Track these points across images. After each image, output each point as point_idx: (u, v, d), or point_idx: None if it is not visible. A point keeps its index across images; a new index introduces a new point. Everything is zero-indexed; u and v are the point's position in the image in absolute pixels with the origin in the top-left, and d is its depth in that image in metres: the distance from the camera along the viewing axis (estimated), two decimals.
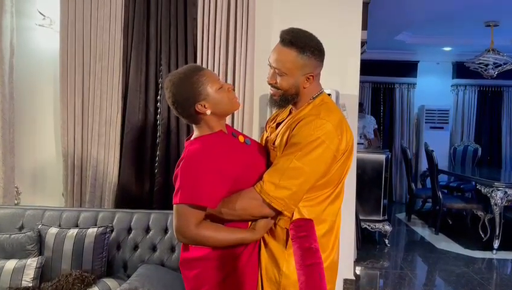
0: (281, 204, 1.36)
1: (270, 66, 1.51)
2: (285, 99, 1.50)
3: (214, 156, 1.39)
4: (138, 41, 3.14)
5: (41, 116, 3.36)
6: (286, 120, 1.54)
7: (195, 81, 1.43)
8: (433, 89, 7.47)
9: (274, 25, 3.19)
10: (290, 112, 1.58)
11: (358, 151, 4.62)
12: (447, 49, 6.84)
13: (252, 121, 3.13)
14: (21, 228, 2.63)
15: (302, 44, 1.44)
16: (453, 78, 7.53)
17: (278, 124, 1.59)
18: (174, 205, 1.38)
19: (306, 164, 1.35)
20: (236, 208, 1.38)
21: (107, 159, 3.16)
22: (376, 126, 6.10)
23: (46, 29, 3.26)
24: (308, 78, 1.48)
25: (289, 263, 1.40)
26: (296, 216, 1.41)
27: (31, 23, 3.26)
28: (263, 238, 1.47)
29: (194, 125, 1.52)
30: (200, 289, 1.43)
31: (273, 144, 1.51)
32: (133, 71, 3.14)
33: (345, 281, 3.23)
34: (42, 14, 3.22)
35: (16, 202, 3.28)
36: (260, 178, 1.40)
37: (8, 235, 2.46)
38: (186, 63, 3.12)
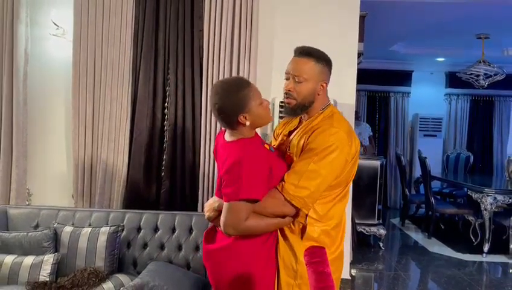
0: (300, 202, 1.56)
1: (289, 75, 1.71)
2: (302, 107, 1.69)
3: (262, 157, 1.59)
4: (147, 51, 3.31)
5: (53, 121, 3.52)
6: (299, 128, 1.73)
7: (245, 94, 1.59)
8: (426, 98, 7.69)
9: (276, 38, 3.38)
10: (301, 121, 1.77)
11: None
12: (440, 59, 7.06)
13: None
14: (36, 226, 2.78)
15: (317, 54, 1.71)
16: (446, 87, 7.75)
17: (290, 132, 1.78)
18: (227, 203, 1.55)
19: (322, 167, 1.56)
20: (261, 205, 1.56)
21: (116, 162, 3.32)
22: (371, 133, 6.29)
23: (59, 39, 3.42)
24: (323, 85, 1.71)
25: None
26: (310, 212, 1.61)
27: (45, 33, 3.43)
28: (282, 232, 1.66)
29: (228, 129, 1.69)
30: (223, 276, 1.63)
31: (288, 149, 1.71)
32: (142, 80, 3.31)
33: (341, 280, 3.38)
34: (56, 24, 3.38)
35: (27, 203, 3.43)
36: (282, 180, 1.59)
37: (25, 233, 2.61)
38: (193, 72, 3.30)
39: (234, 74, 3.25)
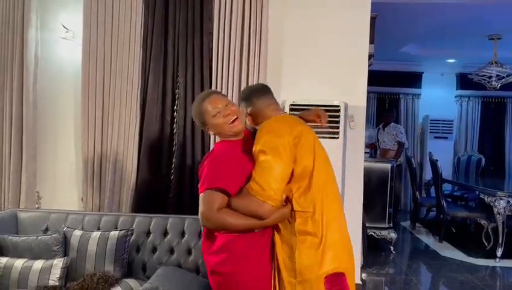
0: (263, 195, 1.63)
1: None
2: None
3: (232, 154, 1.75)
4: (156, 54, 3.30)
5: (63, 124, 3.53)
6: None
7: (200, 109, 1.82)
8: (437, 99, 7.61)
9: (286, 40, 3.35)
10: None
11: (365, 160, 4.77)
12: (451, 61, 6.98)
13: None
14: (46, 230, 2.78)
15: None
16: (457, 89, 7.67)
17: None
18: (200, 194, 1.68)
19: (271, 158, 1.65)
20: (235, 202, 1.67)
21: (125, 166, 3.31)
22: (401, 140, 6.36)
23: (69, 42, 3.43)
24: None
25: (300, 250, 1.64)
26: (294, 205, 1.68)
27: (55, 36, 3.44)
28: (278, 231, 1.71)
29: None
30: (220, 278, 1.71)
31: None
32: (151, 83, 3.30)
33: None
34: (65, 28, 3.39)
35: (36, 206, 3.44)
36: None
37: (35, 237, 2.60)
38: (202, 75, 3.28)
39: (244, 76, 3.23)
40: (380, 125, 6.69)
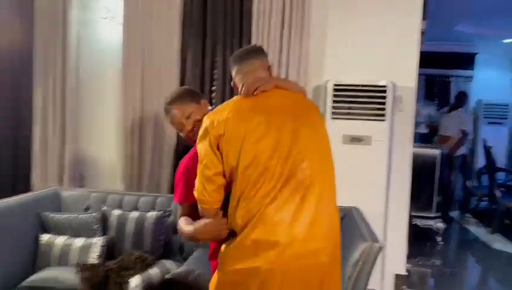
0: (199, 200, 1.49)
1: None
2: None
3: (188, 167, 1.67)
4: (195, 34, 3.23)
5: (103, 104, 3.54)
6: None
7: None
8: (491, 82, 7.08)
9: (330, 15, 3.16)
10: None
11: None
12: (508, 41, 6.47)
13: None
14: (86, 209, 2.81)
15: None
16: None
17: None
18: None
19: (199, 162, 1.49)
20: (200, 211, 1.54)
21: (164, 147, 3.28)
22: (464, 128, 5.61)
23: (110, 22, 3.41)
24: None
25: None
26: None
27: (96, 16, 3.44)
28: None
29: None
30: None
31: None
32: (190, 63, 3.24)
33: (397, 276, 3.19)
34: (106, 7, 3.38)
35: (79, 185, 3.50)
36: None
37: (76, 215, 2.64)
38: None
39: (284, 56, 3.09)
40: (445, 108, 6.06)
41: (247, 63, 1.61)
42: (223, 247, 1.47)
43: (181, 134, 1.81)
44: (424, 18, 3.30)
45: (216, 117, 1.46)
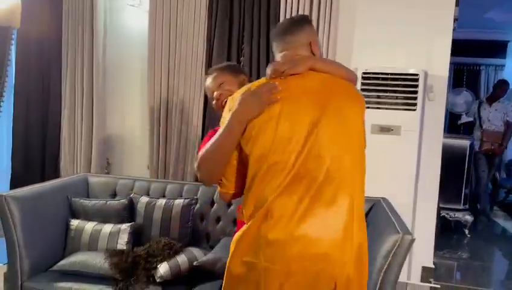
0: None
1: None
2: None
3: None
4: (221, 21, 3.20)
5: (130, 92, 3.57)
6: None
7: None
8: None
9: (359, 1, 3.07)
10: None
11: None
12: None
13: None
14: (114, 195, 2.84)
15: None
16: None
17: None
18: None
19: None
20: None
21: (190, 135, 3.29)
22: (507, 118, 5.11)
23: (136, 9, 3.42)
24: None
25: None
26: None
27: (122, 3, 3.44)
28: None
29: None
30: None
31: None
32: (216, 50, 3.22)
33: (424, 269, 3.13)
34: None
35: (106, 172, 3.55)
36: None
37: (104, 201, 2.67)
38: (268, 42, 3.13)
39: None
40: (483, 99, 5.45)
41: (285, 40, 1.43)
42: (235, 235, 1.35)
43: (212, 103, 1.79)
44: (457, 4, 3.19)
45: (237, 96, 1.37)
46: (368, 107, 2.88)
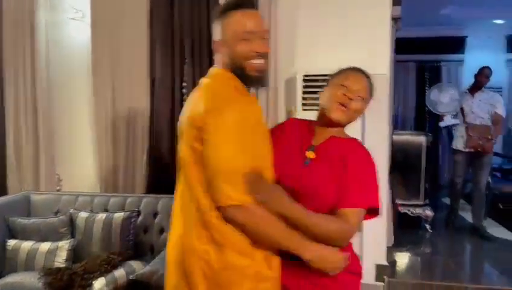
0: None
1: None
2: None
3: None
4: (163, 31, 3.19)
5: (76, 105, 3.51)
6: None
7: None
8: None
9: (300, 7, 3.09)
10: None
11: (394, 134, 4.42)
12: (499, 21, 6.34)
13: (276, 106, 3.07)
14: (57, 212, 2.79)
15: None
16: (506, 52, 6.98)
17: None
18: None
19: None
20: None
21: (137, 146, 3.26)
22: (495, 110, 4.51)
23: (78, 23, 3.38)
24: None
25: None
26: None
27: (64, 17, 3.40)
28: None
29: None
30: None
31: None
32: (159, 60, 3.20)
33: (377, 266, 3.14)
34: (74, 8, 3.34)
35: (57, 188, 3.48)
36: None
37: (43, 219, 2.62)
38: (210, 53, 3.11)
39: None
40: (466, 90, 4.78)
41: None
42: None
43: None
44: (396, 3, 3.23)
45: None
46: (310, 110, 2.94)
